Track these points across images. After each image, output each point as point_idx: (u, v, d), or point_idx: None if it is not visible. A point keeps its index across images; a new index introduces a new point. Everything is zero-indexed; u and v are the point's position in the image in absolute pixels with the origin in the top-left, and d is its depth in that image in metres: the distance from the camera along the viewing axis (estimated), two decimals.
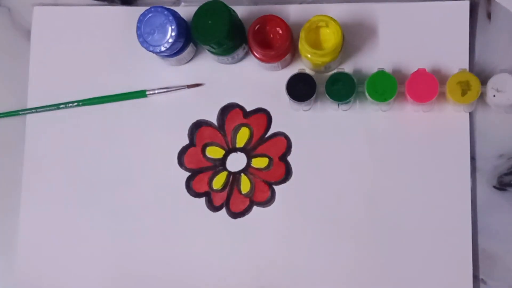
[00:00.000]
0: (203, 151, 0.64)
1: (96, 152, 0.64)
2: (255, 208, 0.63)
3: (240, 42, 0.61)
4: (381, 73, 0.59)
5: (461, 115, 0.61)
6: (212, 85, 0.64)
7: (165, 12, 0.59)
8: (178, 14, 0.60)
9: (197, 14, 0.59)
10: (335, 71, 0.61)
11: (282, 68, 0.63)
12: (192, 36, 0.60)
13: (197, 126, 0.64)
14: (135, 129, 0.64)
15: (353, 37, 0.62)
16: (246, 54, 0.63)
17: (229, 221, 0.63)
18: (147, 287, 0.63)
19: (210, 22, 0.58)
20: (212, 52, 0.61)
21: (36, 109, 0.65)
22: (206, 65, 0.64)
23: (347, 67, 0.62)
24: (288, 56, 0.61)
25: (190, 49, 0.62)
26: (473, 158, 0.61)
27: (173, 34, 0.59)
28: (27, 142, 0.65)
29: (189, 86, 0.64)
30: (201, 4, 0.63)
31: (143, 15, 0.59)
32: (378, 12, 0.63)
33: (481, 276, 0.61)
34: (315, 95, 0.60)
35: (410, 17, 0.62)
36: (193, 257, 0.63)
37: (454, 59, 0.61)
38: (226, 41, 0.59)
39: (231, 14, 0.59)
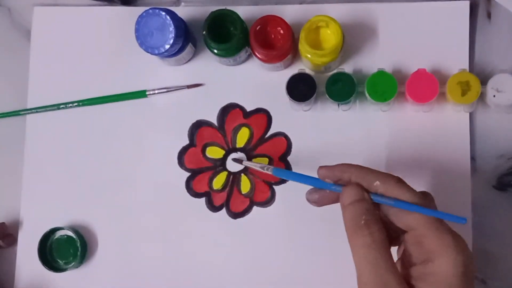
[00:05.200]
0: (203, 151, 0.64)
1: (96, 152, 0.64)
2: (255, 208, 0.63)
3: (243, 44, 0.61)
4: (381, 73, 0.59)
5: (461, 115, 0.61)
6: (212, 85, 0.64)
7: (163, 14, 0.59)
8: (177, 15, 0.60)
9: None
10: (335, 71, 0.61)
11: (285, 68, 0.63)
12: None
13: (197, 126, 0.64)
14: (135, 129, 0.64)
15: (353, 37, 0.62)
16: (249, 57, 0.63)
17: (229, 221, 0.63)
18: (146, 286, 0.63)
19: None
20: (214, 54, 0.61)
21: (36, 109, 0.65)
22: (206, 65, 0.64)
23: (347, 67, 0.62)
24: (290, 56, 0.61)
25: (189, 49, 0.62)
26: (473, 158, 0.61)
27: (171, 35, 0.59)
28: (27, 142, 0.65)
29: (189, 86, 0.64)
30: (201, 5, 0.63)
31: (141, 16, 0.59)
32: (378, 12, 0.63)
33: (481, 276, 0.61)
34: (315, 95, 0.60)
35: (410, 17, 0.62)
36: (193, 257, 0.63)
37: (454, 59, 0.61)
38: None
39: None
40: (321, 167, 0.51)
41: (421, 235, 0.47)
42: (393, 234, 0.50)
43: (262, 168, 0.58)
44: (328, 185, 0.51)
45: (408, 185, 0.48)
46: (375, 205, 0.49)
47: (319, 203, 0.52)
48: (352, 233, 0.48)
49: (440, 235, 0.46)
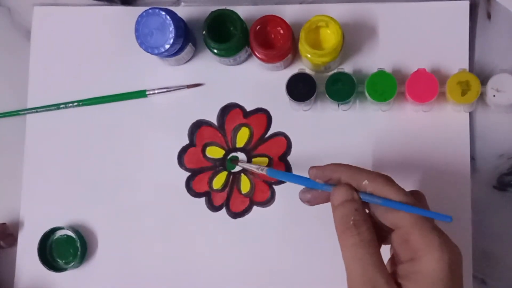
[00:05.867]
0: (203, 151, 0.64)
1: (96, 152, 0.64)
2: (255, 208, 0.63)
3: (243, 44, 0.61)
4: (381, 73, 0.59)
5: (461, 115, 0.61)
6: (212, 85, 0.64)
7: (163, 13, 0.59)
8: (177, 15, 0.60)
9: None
10: (335, 71, 0.61)
11: (285, 67, 0.63)
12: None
13: (197, 126, 0.64)
14: (135, 129, 0.64)
15: (353, 37, 0.62)
16: (248, 57, 0.63)
17: (229, 221, 0.63)
18: (146, 286, 0.63)
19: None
20: (214, 53, 0.61)
21: (36, 109, 0.65)
22: (206, 65, 0.64)
23: (347, 67, 0.62)
24: (290, 56, 0.61)
25: (189, 49, 0.62)
26: (473, 158, 0.61)
27: (171, 35, 0.59)
28: (27, 142, 0.65)
29: (189, 86, 0.64)
30: (201, 4, 0.63)
31: (141, 16, 0.59)
32: (378, 12, 0.63)
33: (481, 276, 0.61)
34: (315, 95, 0.60)
35: (410, 17, 0.62)
36: (193, 257, 0.63)
37: (454, 59, 0.61)
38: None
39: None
40: (312, 167, 0.51)
41: (407, 233, 0.47)
42: (383, 233, 0.50)
43: (257, 169, 0.59)
44: (319, 185, 0.51)
45: (396, 184, 0.49)
46: (364, 204, 0.49)
47: (311, 202, 0.53)
48: (341, 233, 0.48)
49: (425, 233, 0.46)
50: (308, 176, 0.52)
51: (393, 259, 0.49)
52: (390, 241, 0.50)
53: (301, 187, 0.53)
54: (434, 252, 0.45)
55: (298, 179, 0.53)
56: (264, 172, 0.58)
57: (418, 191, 0.52)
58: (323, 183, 0.51)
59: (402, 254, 0.47)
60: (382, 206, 0.48)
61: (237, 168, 0.63)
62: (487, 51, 0.62)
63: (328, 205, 0.52)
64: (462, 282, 0.46)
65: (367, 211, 0.50)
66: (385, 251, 0.50)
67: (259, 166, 0.60)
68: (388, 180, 0.49)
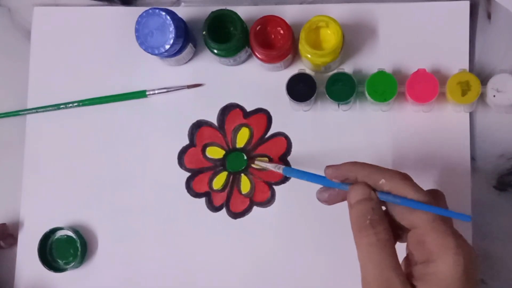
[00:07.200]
0: (203, 151, 0.64)
1: (96, 152, 0.64)
2: (255, 208, 0.63)
3: (243, 44, 0.61)
4: (381, 73, 0.59)
5: (461, 115, 0.61)
6: (212, 85, 0.64)
7: (163, 14, 0.59)
8: (177, 15, 0.60)
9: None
10: (335, 71, 0.61)
11: (285, 68, 0.63)
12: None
13: (197, 126, 0.64)
14: (135, 129, 0.64)
15: (353, 37, 0.62)
16: (249, 57, 0.63)
17: (229, 221, 0.63)
18: (146, 286, 0.63)
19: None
20: (214, 54, 0.61)
21: (36, 109, 0.65)
22: (206, 65, 0.64)
23: (347, 67, 0.62)
24: (290, 56, 0.61)
25: (189, 49, 0.62)
26: (473, 158, 0.61)
27: (172, 35, 0.59)
28: (27, 142, 0.65)
29: (189, 86, 0.64)
30: (201, 5, 0.63)
31: (141, 16, 0.59)
32: (378, 12, 0.63)
33: (481, 276, 0.61)
34: (315, 95, 0.60)
35: (410, 17, 0.62)
36: (193, 257, 0.63)
37: (454, 59, 0.61)
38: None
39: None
40: (328, 166, 0.51)
41: (423, 234, 0.46)
42: (400, 232, 0.50)
43: (274, 167, 0.59)
44: (336, 184, 0.51)
45: (414, 183, 0.48)
46: (381, 202, 0.49)
47: (329, 201, 0.52)
48: (357, 232, 0.48)
49: (441, 235, 0.46)
50: (323, 175, 0.51)
51: (408, 259, 0.49)
52: (405, 239, 0.50)
53: (316, 186, 0.53)
54: (449, 255, 0.45)
55: (315, 178, 0.52)
56: (280, 171, 0.58)
57: (438, 190, 0.52)
58: (339, 182, 0.51)
59: (418, 255, 0.47)
60: (399, 205, 0.48)
61: (237, 168, 0.63)
62: (487, 51, 0.62)
63: (330, 206, 0.52)
64: (477, 285, 0.46)
65: (383, 208, 0.49)
66: (400, 249, 0.49)
67: (276, 164, 0.59)
68: (406, 179, 0.48)
